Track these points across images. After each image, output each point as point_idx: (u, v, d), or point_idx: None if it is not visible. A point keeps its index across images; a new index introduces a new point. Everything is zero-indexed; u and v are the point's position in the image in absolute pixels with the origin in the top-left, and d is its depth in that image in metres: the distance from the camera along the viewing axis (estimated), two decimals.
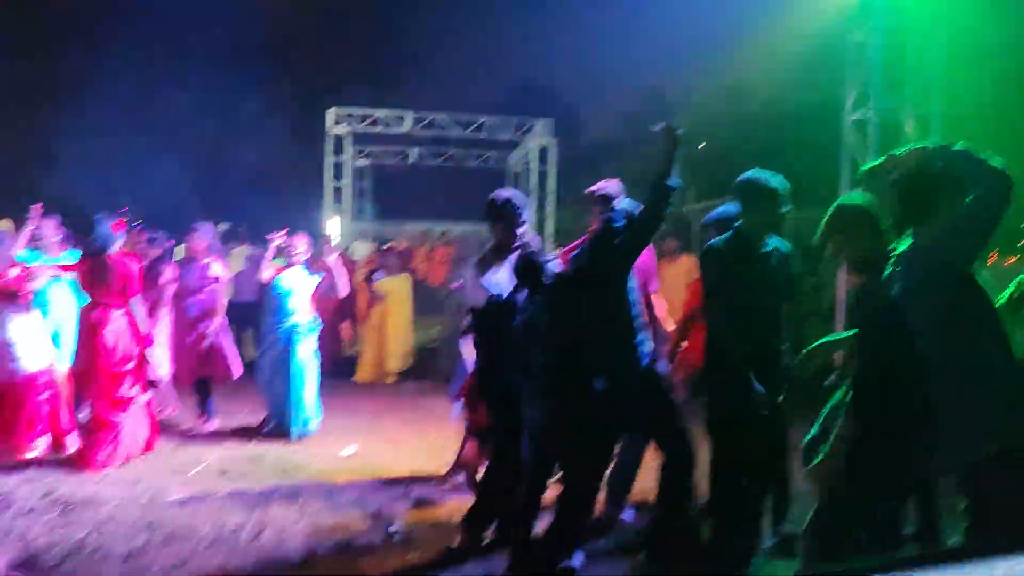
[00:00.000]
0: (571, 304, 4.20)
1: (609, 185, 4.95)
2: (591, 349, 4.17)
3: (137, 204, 7.01)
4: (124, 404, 6.30)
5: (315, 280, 7.58)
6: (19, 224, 7.21)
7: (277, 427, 7.31)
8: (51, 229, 7.16)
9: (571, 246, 5.06)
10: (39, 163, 20.32)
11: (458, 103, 18.87)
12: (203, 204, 17.13)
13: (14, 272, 6.36)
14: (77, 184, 16.52)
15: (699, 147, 18.94)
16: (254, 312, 11.33)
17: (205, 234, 7.95)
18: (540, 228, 18.03)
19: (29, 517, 5.03)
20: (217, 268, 7.81)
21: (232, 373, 7.71)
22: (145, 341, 6.44)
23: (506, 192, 4.97)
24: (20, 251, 6.73)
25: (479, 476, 5.14)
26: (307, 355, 7.40)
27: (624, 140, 18.06)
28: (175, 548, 4.59)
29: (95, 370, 6.27)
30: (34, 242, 7.03)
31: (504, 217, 4.82)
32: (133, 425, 6.37)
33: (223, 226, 12.18)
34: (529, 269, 4.37)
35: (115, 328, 6.30)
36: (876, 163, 3.38)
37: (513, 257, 4.60)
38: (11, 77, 20.56)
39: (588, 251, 4.38)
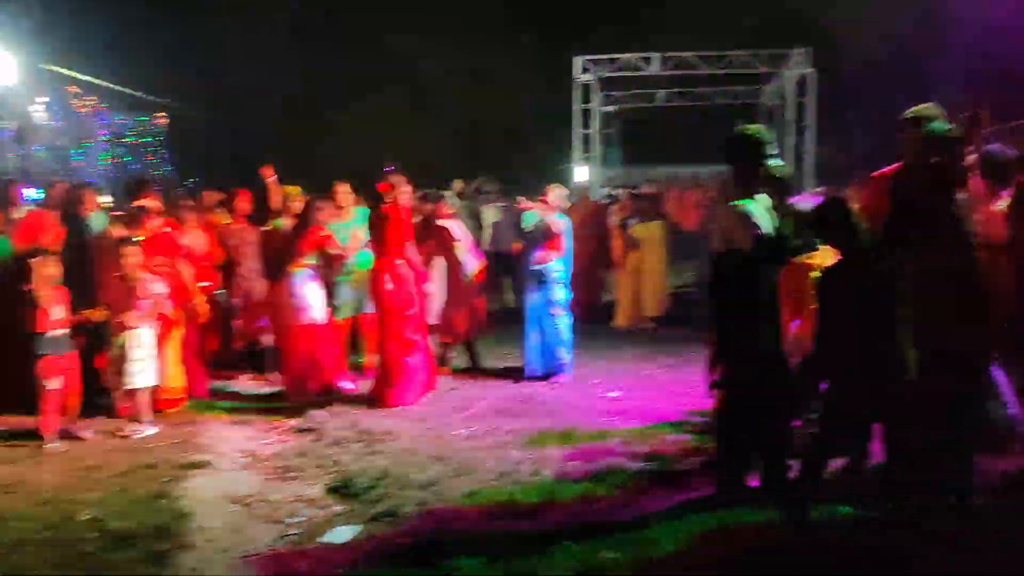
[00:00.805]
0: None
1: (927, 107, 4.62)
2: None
3: (402, 162, 7.55)
4: (411, 347, 6.92)
5: (566, 227, 7.83)
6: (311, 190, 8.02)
7: (537, 369, 7.75)
8: (345, 194, 7.91)
9: (884, 171, 4.78)
10: (313, 130, 22.32)
11: (705, 40, 18.31)
12: (460, 159, 18.07)
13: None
14: (347, 148, 18.01)
15: None
16: (512, 261, 11.92)
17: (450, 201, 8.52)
18: (799, 163, 17.24)
19: (340, 447, 5.71)
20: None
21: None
22: (423, 288, 7.06)
23: (747, 127, 4.76)
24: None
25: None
26: (560, 300, 7.73)
27: (890, 64, 16.70)
28: (465, 479, 5.02)
29: (384, 316, 6.94)
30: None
31: (745, 155, 4.60)
32: (420, 366, 7.01)
33: (480, 180, 12.81)
34: (839, 219, 4.24)
35: (398, 276, 6.93)
36: None
37: (806, 201, 4.46)
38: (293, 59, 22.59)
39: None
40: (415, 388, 6.97)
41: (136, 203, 7.02)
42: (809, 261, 4.89)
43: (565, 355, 7.73)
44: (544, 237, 7.75)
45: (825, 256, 4.65)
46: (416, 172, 7.73)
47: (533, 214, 8.09)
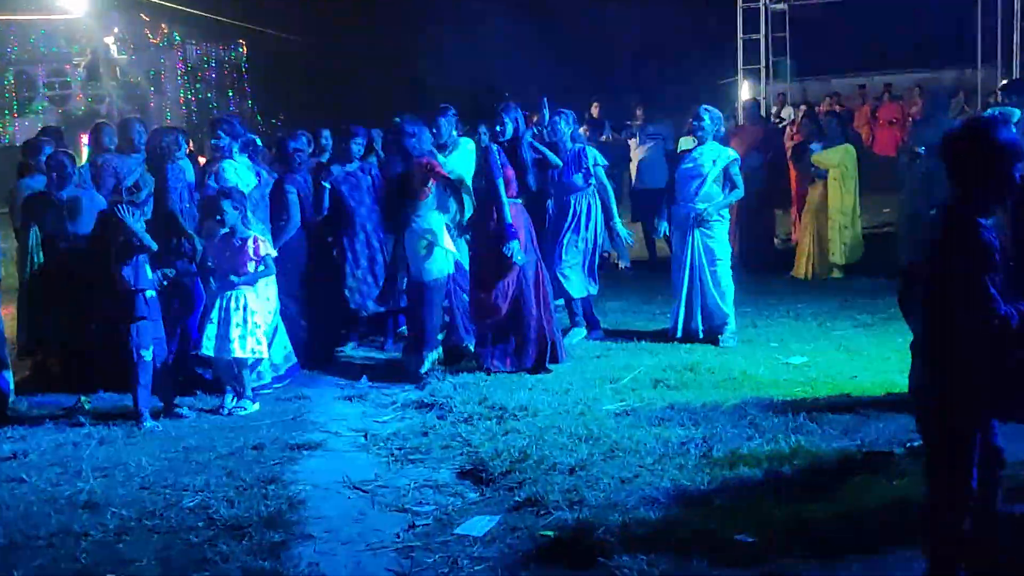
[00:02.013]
0: None
1: None
2: None
3: (537, 88, 7.59)
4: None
5: (728, 158, 7.67)
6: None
7: (685, 327, 7.71)
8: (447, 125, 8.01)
9: None
10: (414, 54, 22.52)
11: None
12: (592, 81, 17.92)
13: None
14: (452, 74, 18.13)
15: None
16: (661, 201, 11.81)
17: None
18: None
19: (469, 424, 5.85)
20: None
21: None
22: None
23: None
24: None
25: None
26: (713, 246, 7.66)
27: None
28: (620, 462, 5.05)
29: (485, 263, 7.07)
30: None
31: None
32: (549, 326, 7.12)
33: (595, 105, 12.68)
34: None
35: (523, 222, 7.03)
36: None
37: None
38: None
39: None
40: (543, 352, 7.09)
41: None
42: None
43: (730, 313, 7.68)
44: (703, 171, 7.62)
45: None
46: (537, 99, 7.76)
47: (688, 142, 8.00)
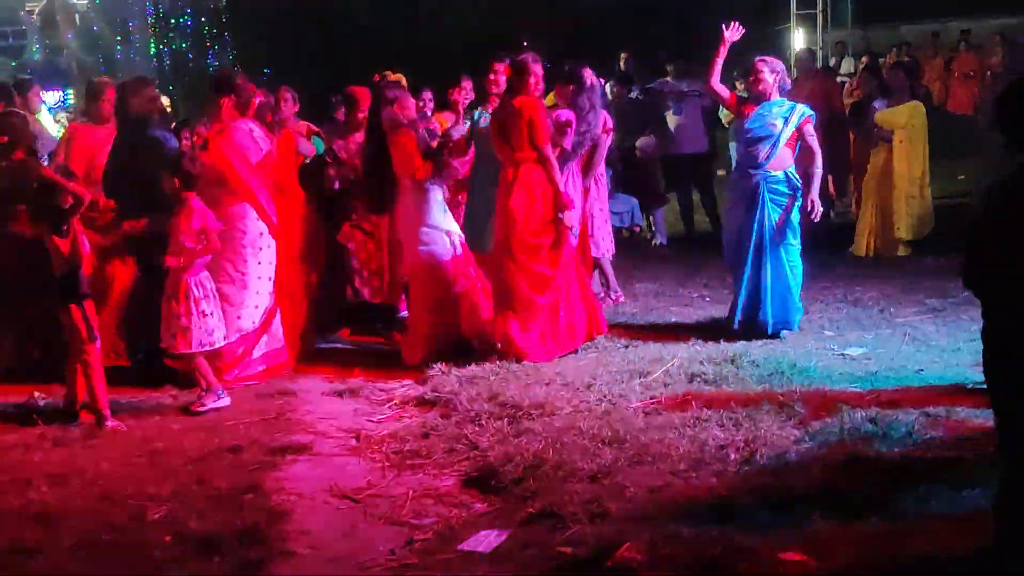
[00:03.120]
0: None
1: None
2: None
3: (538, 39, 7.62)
4: (546, 283, 7.07)
5: (802, 114, 7.54)
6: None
7: (749, 319, 7.60)
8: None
9: None
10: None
11: None
12: (625, 28, 17.81)
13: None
14: (461, 25, 18.10)
15: None
16: (703, 165, 11.81)
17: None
18: None
19: (477, 425, 5.84)
20: None
21: None
22: (567, 205, 7.12)
23: None
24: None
25: None
26: (785, 222, 7.53)
27: None
28: (649, 468, 5.03)
29: (509, 239, 7.09)
30: None
31: None
32: (567, 311, 7.13)
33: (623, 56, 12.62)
34: None
35: (528, 186, 7.05)
36: None
37: None
38: None
39: None
40: (557, 340, 7.17)
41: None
42: None
43: (791, 299, 7.58)
44: (773, 131, 7.51)
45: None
46: (562, 50, 7.72)
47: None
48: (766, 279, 7.49)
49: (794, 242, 7.55)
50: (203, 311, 6.46)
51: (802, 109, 7.57)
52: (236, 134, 7.13)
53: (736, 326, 7.61)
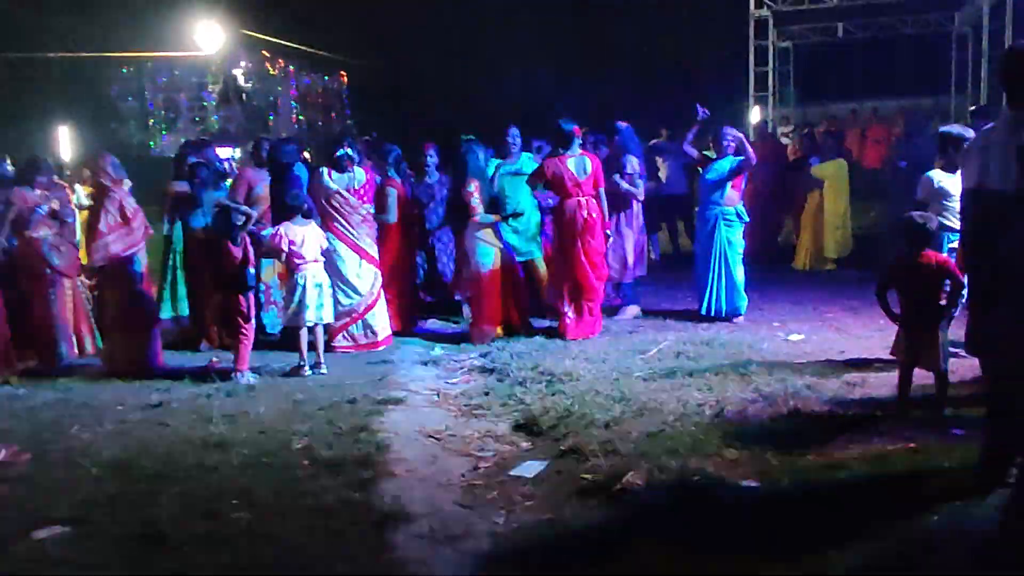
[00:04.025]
0: None
1: None
2: None
3: (573, 107, 7.57)
4: (603, 280, 7.18)
5: (736, 160, 7.55)
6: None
7: (710, 307, 7.65)
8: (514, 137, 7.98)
9: None
10: (481, 78, 22.48)
11: None
12: (632, 101, 17.73)
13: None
14: (519, 96, 18.07)
15: None
16: (683, 203, 11.71)
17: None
18: (995, 94, 15.76)
19: (523, 387, 5.83)
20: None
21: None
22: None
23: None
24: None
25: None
26: (733, 242, 7.59)
27: None
28: (647, 419, 5.00)
29: (582, 252, 7.09)
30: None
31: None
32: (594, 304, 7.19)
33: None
34: None
35: (595, 215, 7.10)
36: None
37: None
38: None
39: None
40: (590, 323, 7.15)
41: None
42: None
43: (735, 295, 7.62)
44: (723, 178, 7.52)
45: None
46: (589, 114, 7.70)
47: (711, 153, 7.91)
48: (721, 280, 7.56)
49: (739, 255, 7.61)
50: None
51: (735, 161, 7.57)
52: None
53: (703, 311, 7.66)
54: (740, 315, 7.57)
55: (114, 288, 6.69)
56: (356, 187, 7.07)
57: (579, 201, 7.09)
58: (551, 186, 7.22)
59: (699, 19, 20.36)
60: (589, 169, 7.16)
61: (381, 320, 7.20)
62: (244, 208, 6.44)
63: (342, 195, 6.99)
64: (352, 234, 7.03)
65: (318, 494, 4.17)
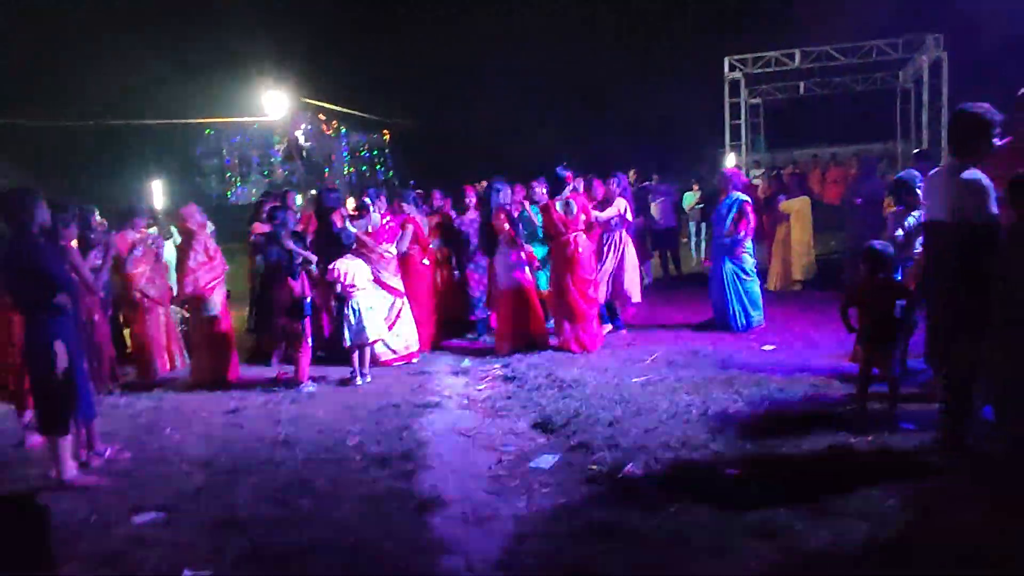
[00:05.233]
0: None
1: None
2: None
3: (571, 157, 7.60)
4: (593, 304, 7.06)
5: (734, 204, 7.54)
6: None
7: (722, 322, 7.66)
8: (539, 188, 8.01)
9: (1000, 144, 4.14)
10: (502, 133, 22.61)
11: (844, 32, 16.93)
12: (625, 150, 17.76)
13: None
14: (534, 148, 18.16)
15: None
16: (671, 236, 11.71)
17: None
18: (935, 140, 15.69)
19: (539, 392, 5.81)
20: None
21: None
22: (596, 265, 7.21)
23: (976, 107, 3.93)
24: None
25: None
26: (749, 264, 7.63)
27: (1021, 46, 14.74)
28: (643, 419, 4.97)
29: (574, 279, 7.03)
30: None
31: (978, 131, 3.86)
32: (595, 324, 7.11)
33: (633, 175, 12.52)
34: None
35: (584, 249, 7.04)
36: None
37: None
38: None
39: None
40: (596, 337, 7.08)
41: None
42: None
43: (742, 312, 7.60)
44: (737, 213, 7.54)
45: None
46: (587, 163, 7.71)
47: (691, 196, 7.92)
48: (733, 300, 7.62)
49: (747, 278, 7.61)
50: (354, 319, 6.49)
51: (737, 197, 7.58)
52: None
53: (718, 323, 7.70)
54: (751, 327, 7.58)
55: (198, 313, 6.77)
56: (370, 230, 7.11)
57: (568, 239, 7.04)
58: (547, 226, 7.21)
59: (682, 81, 20.45)
60: (574, 209, 7.11)
61: (412, 335, 7.18)
62: (304, 254, 6.47)
63: (360, 239, 6.98)
64: (374, 269, 6.93)
65: (369, 483, 4.20)
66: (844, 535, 3.27)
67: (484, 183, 8.46)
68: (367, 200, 7.30)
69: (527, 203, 7.86)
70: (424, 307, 7.62)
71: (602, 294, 7.65)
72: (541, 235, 7.54)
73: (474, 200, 8.19)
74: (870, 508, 3.47)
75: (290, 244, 6.39)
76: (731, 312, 7.59)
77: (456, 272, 8.22)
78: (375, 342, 6.59)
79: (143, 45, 19.48)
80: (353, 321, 6.45)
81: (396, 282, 7.16)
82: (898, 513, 3.43)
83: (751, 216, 7.55)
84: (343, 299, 6.51)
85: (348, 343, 6.45)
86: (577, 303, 7.03)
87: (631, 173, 11.89)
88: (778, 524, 3.39)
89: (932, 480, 3.75)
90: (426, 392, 6.08)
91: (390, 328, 7.03)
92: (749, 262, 7.63)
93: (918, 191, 5.57)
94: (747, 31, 19.78)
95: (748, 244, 7.63)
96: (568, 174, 7.24)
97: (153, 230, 7.87)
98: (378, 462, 4.49)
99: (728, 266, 7.56)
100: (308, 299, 6.39)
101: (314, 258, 6.57)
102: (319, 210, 7.30)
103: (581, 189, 7.72)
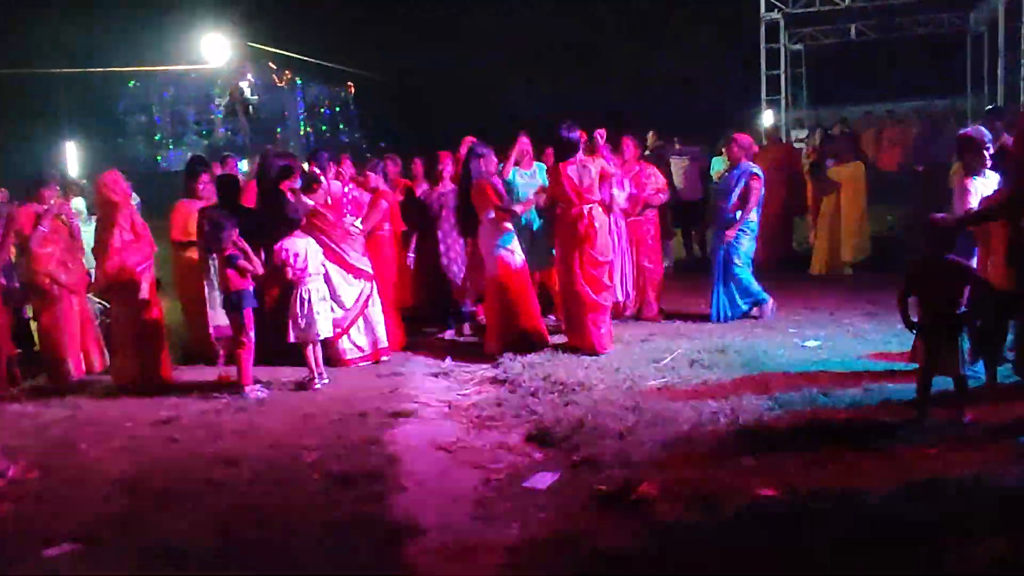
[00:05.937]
0: None
1: None
2: None
3: (581, 116, 7.50)
4: (606, 293, 7.05)
5: (743, 175, 7.63)
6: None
7: (726, 316, 7.77)
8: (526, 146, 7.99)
9: None
10: (489, 91, 22.57)
11: None
12: (637, 109, 17.75)
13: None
14: (524, 106, 18.13)
15: None
16: (696, 211, 11.71)
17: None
18: (1013, 94, 15.69)
19: (535, 397, 5.80)
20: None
21: None
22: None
23: None
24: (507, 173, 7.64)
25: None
26: (745, 247, 7.72)
27: None
28: (661, 429, 4.96)
29: (584, 260, 6.95)
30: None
31: None
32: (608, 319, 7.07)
33: (652, 137, 12.48)
34: None
35: (601, 225, 7.00)
36: None
37: None
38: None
39: None
40: (607, 335, 7.02)
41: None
42: None
43: (744, 300, 7.80)
44: (739, 187, 7.55)
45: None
46: (594, 124, 7.64)
47: (720, 162, 7.95)
48: (725, 284, 7.87)
49: (737, 263, 7.76)
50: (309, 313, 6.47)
51: (748, 167, 7.65)
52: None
53: (712, 319, 7.88)
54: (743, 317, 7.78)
55: (123, 303, 6.72)
56: (329, 202, 7.05)
57: (580, 211, 6.90)
58: (555, 195, 7.11)
59: (709, 23, 20.39)
60: (594, 173, 6.98)
61: (381, 328, 7.16)
62: (248, 252, 6.35)
63: (320, 211, 6.91)
64: (338, 249, 6.92)
65: (329, 508, 4.18)
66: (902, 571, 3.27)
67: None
68: (316, 170, 7.19)
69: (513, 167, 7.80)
70: (394, 298, 7.61)
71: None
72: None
73: (450, 169, 8.15)
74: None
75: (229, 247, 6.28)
76: (714, 299, 7.84)
77: (411, 255, 8.28)
78: (331, 338, 6.54)
79: None
80: (302, 312, 6.42)
81: (364, 263, 7.10)
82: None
83: (756, 192, 7.67)
84: (292, 286, 6.47)
85: (292, 338, 6.42)
86: (586, 291, 6.95)
87: (650, 135, 11.87)
88: (825, 559, 3.38)
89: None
90: (399, 398, 6.06)
91: (355, 320, 7.01)
92: (745, 246, 7.75)
93: (986, 152, 5.56)
94: None
95: (752, 224, 7.75)
96: (578, 133, 7.05)
97: (76, 203, 7.78)
98: (340, 483, 4.47)
99: (721, 247, 7.76)
100: (250, 288, 6.34)
101: (259, 266, 6.43)
102: (263, 181, 7.21)
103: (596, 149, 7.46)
